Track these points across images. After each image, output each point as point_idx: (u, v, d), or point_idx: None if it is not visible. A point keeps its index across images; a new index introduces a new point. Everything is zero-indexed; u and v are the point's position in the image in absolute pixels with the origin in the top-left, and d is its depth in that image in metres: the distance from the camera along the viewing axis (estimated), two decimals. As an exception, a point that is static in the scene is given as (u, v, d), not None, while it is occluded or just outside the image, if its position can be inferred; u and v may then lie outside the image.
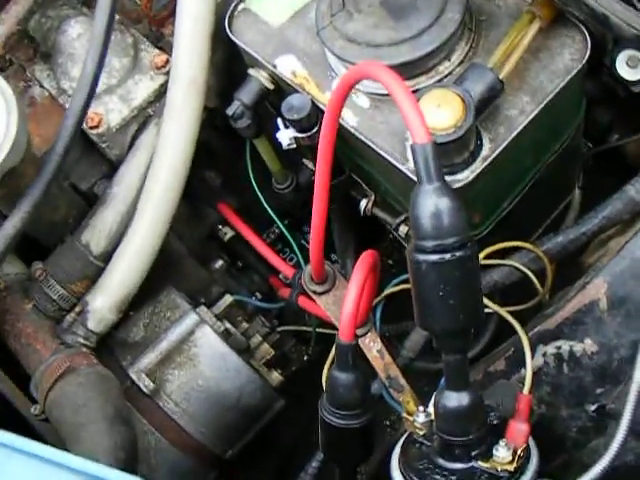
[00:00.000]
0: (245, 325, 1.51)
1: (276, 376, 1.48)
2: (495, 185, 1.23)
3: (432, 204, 0.96)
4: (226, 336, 1.42)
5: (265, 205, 1.44)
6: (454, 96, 1.13)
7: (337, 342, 1.11)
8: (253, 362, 1.47)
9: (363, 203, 1.34)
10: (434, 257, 0.96)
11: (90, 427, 1.24)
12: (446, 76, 1.22)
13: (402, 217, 1.29)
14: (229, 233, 1.62)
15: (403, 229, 1.30)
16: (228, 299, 1.47)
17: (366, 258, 1.13)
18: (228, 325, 1.44)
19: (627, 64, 1.29)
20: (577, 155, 1.42)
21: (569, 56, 1.22)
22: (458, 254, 0.96)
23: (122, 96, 1.37)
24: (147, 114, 1.38)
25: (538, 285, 1.29)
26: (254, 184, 1.43)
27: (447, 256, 0.95)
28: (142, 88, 1.37)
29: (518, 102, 1.20)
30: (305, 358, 1.68)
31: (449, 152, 1.15)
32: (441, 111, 1.13)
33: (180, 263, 1.53)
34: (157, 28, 1.45)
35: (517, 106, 1.20)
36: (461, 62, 1.22)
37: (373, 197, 1.34)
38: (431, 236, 0.96)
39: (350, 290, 1.10)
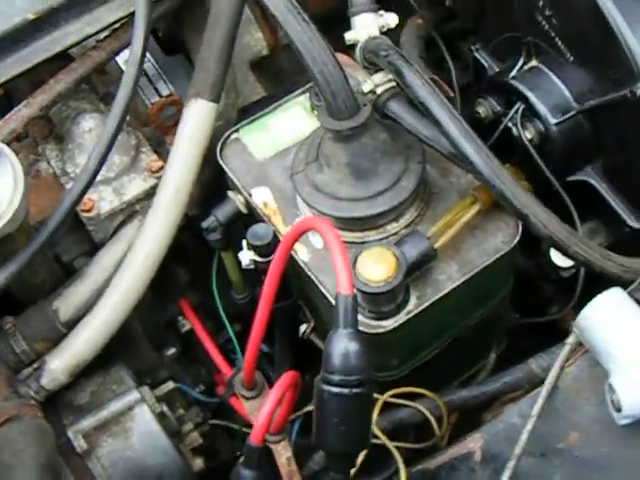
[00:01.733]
0: (182, 412, 1.67)
1: (198, 463, 1.64)
2: (415, 336, 1.41)
3: (343, 346, 1.13)
4: (161, 417, 1.57)
5: (220, 310, 1.61)
6: (391, 255, 1.31)
7: (247, 443, 1.27)
8: (182, 446, 1.62)
9: (303, 327, 1.52)
10: (336, 389, 1.13)
11: (20, 471, 1.39)
12: (392, 235, 1.40)
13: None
14: (187, 326, 1.79)
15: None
16: (170, 385, 1.63)
17: (287, 377, 1.30)
18: (165, 408, 1.60)
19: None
20: (498, 323, 1.59)
21: (501, 238, 1.40)
22: (356, 390, 1.13)
23: (116, 189, 1.55)
24: (134, 209, 1.55)
25: (436, 429, 1.45)
26: (214, 289, 1.61)
27: (346, 390, 1.13)
28: (134, 186, 1.55)
29: (448, 269, 1.38)
30: (237, 454, 1.83)
31: (378, 301, 1.33)
32: (377, 266, 1.31)
33: (136, 344, 1.69)
34: (160, 134, 1.64)
35: (446, 272, 1.38)
36: (407, 225, 1.41)
37: (312, 324, 1.51)
38: (338, 371, 1.13)
39: (267, 401, 1.26)
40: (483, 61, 1.57)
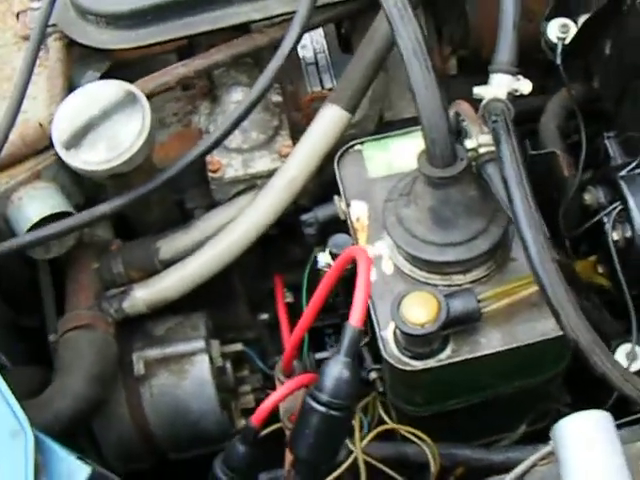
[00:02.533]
0: (246, 373, 1.81)
1: (243, 422, 1.77)
2: (443, 384, 1.47)
3: (338, 371, 1.23)
4: (219, 372, 1.72)
5: (303, 297, 1.71)
6: (436, 303, 1.38)
7: (247, 423, 1.39)
8: (234, 402, 1.77)
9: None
10: (318, 406, 1.23)
11: (75, 374, 1.57)
12: (456, 285, 1.46)
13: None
14: (288, 299, 1.91)
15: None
16: (238, 346, 1.77)
17: (305, 377, 1.40)
18: (228, 365, 1.74)
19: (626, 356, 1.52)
20: (541, 400, 1.62)
21: (555, 324, 1.44)
22: (335, 413, 1.23)
23: (245, 160, 1.69)
24: (254, 183, 1.69)
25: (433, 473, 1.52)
26: (305, 280, 1.70)
27: (325, 410, 1.23)
28: (261, 163, 1.68)
29: (491, 335, 1.43)
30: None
31: (413, 342, 1.41)
32: (419, 309, 1.38)
33: (233, 299, 1.85)
34: (306, 123, 1.75)
35: (488, 337, 1.43)
36: (473, 281, 1.46)
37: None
38: (326, 392, 1.24)
39: (277, 390, 1.38)
40: (611, 150, 1.58)
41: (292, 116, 1.76)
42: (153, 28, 1.63)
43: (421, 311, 1.38)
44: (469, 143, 1.42)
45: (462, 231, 1.43)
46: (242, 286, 1.85)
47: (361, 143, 1.63)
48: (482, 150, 1.42)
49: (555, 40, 1.57)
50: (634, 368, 1.56)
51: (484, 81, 1.42)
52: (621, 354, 1.55)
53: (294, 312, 1.79)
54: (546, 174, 1.63)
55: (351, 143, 1.62)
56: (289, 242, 1.83)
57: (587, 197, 1.52)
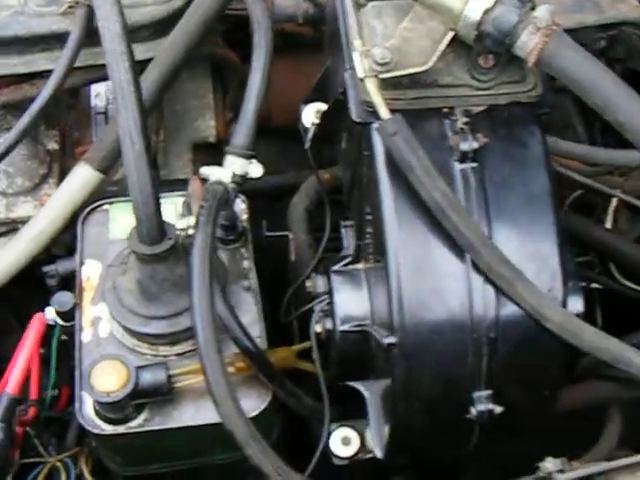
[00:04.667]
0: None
1: None
2: (138, 450, 1.52)
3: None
4: None
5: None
6: (125, 374, 1.43)
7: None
8: None
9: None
10: None
11: None
12: (162, 356, 1.52)
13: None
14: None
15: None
16: None
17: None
18: None
19: (342, 441, 1.57)
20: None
21: (245, 405, 1.48)
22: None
23: (8, 204, 1.75)
24: (15, 227, 1.74)
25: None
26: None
27: None
28: (23, 209, 1.76)
29: (186, 409, 1.49)
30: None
31: (104, 407, 1.46)
32: (106, 377, 1.43)
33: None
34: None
35: (182, 411, 1.49)
36: (180, 354, 1.52)
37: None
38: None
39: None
40: (345, 239, 1.62)
41: (71, 164, 1.80)
42: None
43: (110, 379, 1.43)
44: (181, 223, 1.47)
45: (167, 306, 1.48)
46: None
47: (110, 203, 1.67)
48: (191, 232, 1.47)
49: (308, 125, 1.62)
50: (348, 453, 1.60)
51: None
52: (336, 439, 1.59)
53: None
54: (281, 256, 1.68)
55: (99, 202, 1.67)
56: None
57: (308, 284, 1.57)
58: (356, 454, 1.58)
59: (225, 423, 1.32)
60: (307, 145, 1.58)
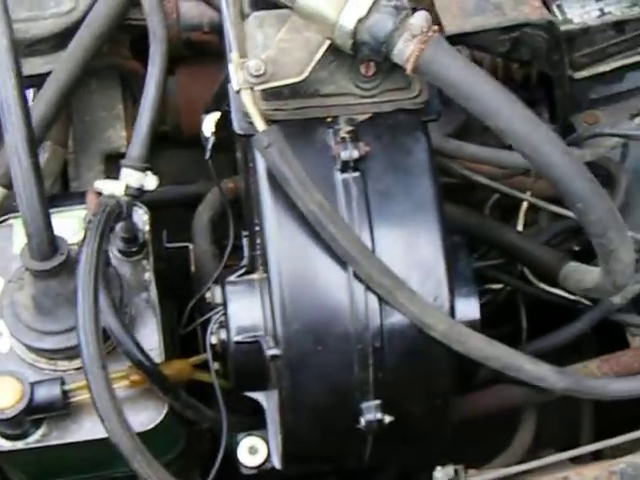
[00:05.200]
0: None
1: None
2: (38, 465, 1.52)
3: None
4: None
5: None
6: (19, 389, 1.43)
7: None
8: None
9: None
10: None
11: None
12: (61, 371, 1.51)
13: None
14: None
15: None
16: None
17: None
18: None
19: (249, 450, 1.57)
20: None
21: (141, 418, 1.49)
22: None
23: None
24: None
25: None
26: None
27: None
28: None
29: (84, 424, 1.49)
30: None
31: (2, 424, 1.45)
32: (2, 394, 1.43)
33: None
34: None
35: (80, 425, 1.49)
36: (78, 368, 1.50)
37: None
38: None
39: None
40: (245, 249, 1.61)
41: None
42: None
43: (4, 396, 1.43)
44: (74, 237, 1.47)
45: (61, 321, 1.48)
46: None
47: (15, 217, 1.66)
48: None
49: (208, 134, 1.61)
50: (255, 462, 1.59)
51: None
52: (244, 448, 1.59)
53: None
54: (182, 267, 1.67)
55: (4, 217, 1.66)
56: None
57: (208, 295, 1.57)
58: (263, 463, 1.57)
59: (110, 437, 1.32)
60: (207, 155, 1.57)
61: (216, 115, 1.61)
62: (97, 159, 1.84)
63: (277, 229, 1.33)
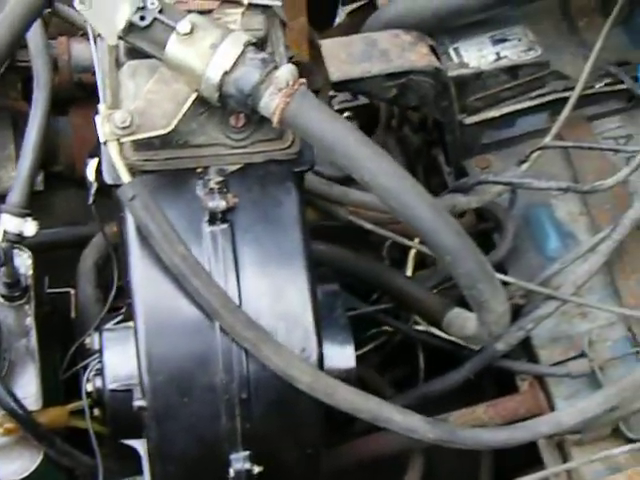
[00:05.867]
0: None
1: None
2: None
3: None
4: None
5: None
6: None
7: None
8: None
9: None
10: None
11: None
12: None
13: None
14: None
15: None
16: None
17: None
18: None
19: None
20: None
21: (15, 466, 1.48)
22: None
23: None
24: None
25: None
26: None
27: None
28: None
29: None
30: None
31: None
32: None
33: None
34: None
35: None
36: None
37: None
38: None
39: None
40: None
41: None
42: None
43: None
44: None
45: None
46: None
47: None
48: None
49: (91, 179, 1.60)
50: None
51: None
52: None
53: None
54: (65, 311, 1.67)
55: None
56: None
57: (87, 341, 1.56)
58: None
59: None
60: (90, 200, 1.56)
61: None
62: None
63: (143, 280, 1.33)
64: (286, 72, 1.29)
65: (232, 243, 1.35)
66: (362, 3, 2.46)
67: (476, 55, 1.94)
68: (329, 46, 1.71)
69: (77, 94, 1.82)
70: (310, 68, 1.90)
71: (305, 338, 1.35)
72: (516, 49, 1.96)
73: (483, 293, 1.35)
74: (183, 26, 1.29)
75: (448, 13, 1.89)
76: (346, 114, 1.84)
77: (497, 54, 1.95)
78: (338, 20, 2.78)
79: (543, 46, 1.96)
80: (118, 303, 1.65)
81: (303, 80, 1.31)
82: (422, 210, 1.29)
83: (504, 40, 1.97)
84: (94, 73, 1.74)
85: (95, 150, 1.60)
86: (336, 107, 1.95)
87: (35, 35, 1.67)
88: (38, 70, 1.60)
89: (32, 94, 1.70)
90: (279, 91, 1.28)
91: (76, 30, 1.80)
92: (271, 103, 1.28)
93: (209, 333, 1.32)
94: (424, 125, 1.96)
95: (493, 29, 1.98)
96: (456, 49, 1.95)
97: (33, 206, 1.60)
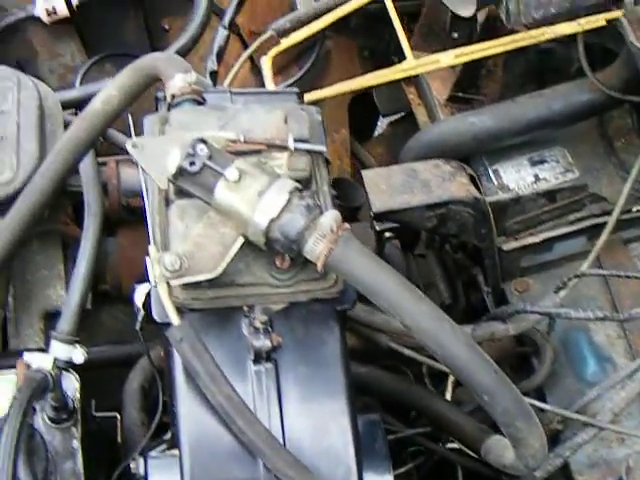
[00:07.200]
0: None
1: None
2: None
3: None
4: None
5: None
6: None
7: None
8: None
9: None
10: None
11: None
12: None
13: None
14: None
15: None
16: None
17: None
18: None
19: None
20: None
21: None
22: None
23: None
24: None
25: None
26: None
27: None
28: None
29: None
30: None
31: None
32: None
33: None
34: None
35: None
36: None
37: None
38: None
39: None
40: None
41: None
42: None
43: None
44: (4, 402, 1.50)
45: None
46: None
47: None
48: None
49: (139, 305, 1.64)
50: None
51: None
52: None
53: None
54: (110, 435, 1.70)
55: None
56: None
57: (132, 465, 1.59)
58: None
59: None
60: (137, 326, 1.60)
61: (147, 286, 1.65)
62: (36, 317, 1.87)
63: (189, 415, 1.37)
64: (330, 218, 1.34)
65: (276, 382, 1.38)
66: (402, 115, 2.53)
67: (515, 177, 1.99)
68: (370, 176, 1.76)
69: (125, 217, 1.87)
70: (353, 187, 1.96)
71: (347, 475, 1.37)
72: (554, 171, 2.00)
73: (520, 430, 1.37)
74: (231, 173, 1.34)
75: (489, 137, 1.94)
76: (387, 234, 1.87)
77: (535, 176, 1.99)
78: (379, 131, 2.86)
79: (581, 168, 2.01)
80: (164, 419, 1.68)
81: (347, 226, 1.35)
82: (459, 351, 1.32)
83: (542, 162, 2.01)
84: (142, 197, 1.81)
85: (143, 275, 1.65)
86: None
87: (86, 164, 1.73)
88: (89, 200, 1.66)
89: (82, 218, 1.76)
90: (323, 237, 1.33)
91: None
92: (316, 249, 1.33)
93: (253, 469, 1.35)
94: (464, 246, 1.99)
95: (531, 151, 2.03)
96: (495, 171, 1.99)
97: (80, 324, 1.65)
